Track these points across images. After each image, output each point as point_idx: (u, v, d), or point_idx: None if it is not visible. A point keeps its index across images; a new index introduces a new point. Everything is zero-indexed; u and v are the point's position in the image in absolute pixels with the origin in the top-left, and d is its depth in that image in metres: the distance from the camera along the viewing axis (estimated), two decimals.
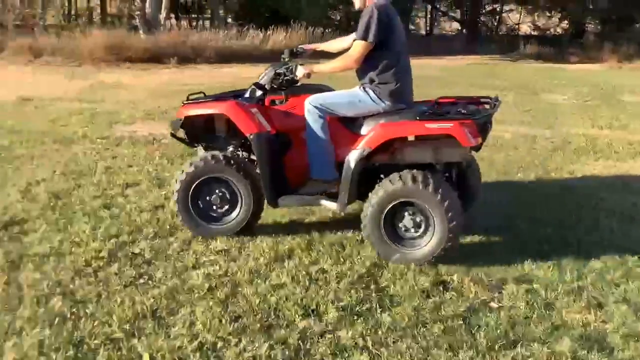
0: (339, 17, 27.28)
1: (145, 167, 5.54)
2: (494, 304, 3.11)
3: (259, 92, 3.89)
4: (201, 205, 3.89)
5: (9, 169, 5.39)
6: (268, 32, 19.56)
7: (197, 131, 4.04)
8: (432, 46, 23.81)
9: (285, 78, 3.82)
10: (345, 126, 3.80)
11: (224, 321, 2.83)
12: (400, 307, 3.03)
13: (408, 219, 3.56)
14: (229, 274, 3.37)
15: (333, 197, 3.72)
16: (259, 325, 2.82)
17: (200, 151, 4.10)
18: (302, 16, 21.90)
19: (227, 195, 3.87)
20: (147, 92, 10.98)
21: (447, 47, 23.68)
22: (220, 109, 3.81)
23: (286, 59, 4.07)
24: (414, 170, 3.48)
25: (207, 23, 26.45)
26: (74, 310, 2.92)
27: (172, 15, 25.00)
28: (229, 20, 26.60)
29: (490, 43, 25.48)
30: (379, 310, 3.00)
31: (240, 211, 3.88)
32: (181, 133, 4.03)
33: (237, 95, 4.02)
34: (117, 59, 15.95)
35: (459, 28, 31.98)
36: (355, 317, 2.92)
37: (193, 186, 3.82)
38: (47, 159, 5.78)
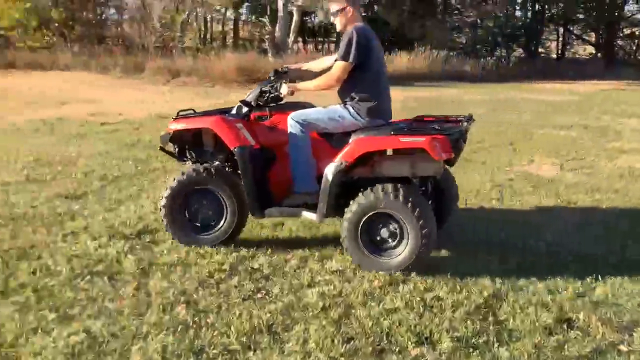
0: (464, 40, 26.85)
1: None
2: (623, 347, 2.88)
3: (245, 109, 4.11)
4: (189, 216, 4.06)
5: (145, 181, 5.77)
6: (391, 55, 19.62)
7: (186, 145, 4.25)
8: (564, 70, 22.83)
9: (270, 95, 4.04)
10: (327, 141, 3.98)
11: (336, 341, 2.84)
12: (519, 343, 2.88)
13: (383, 230, 3.72)
14: (343, 295, 3.38)
15: (314, 208, 3.84)
16: (370, 348, 2.80)
17: (189, 165, 4.26)
18: (427, 39, 21.77)
19: (214, 206, 4.04)
20: None
21: (580, 71, 22.55)
22: (207, 123, 4.02)
23: (272, 78, 4.21)
24: (388, 184, 3.64)
25: (333, 46, 26.98)
26: (196, 319, 3.05)
27: (300, 39, 25.82)
28: None
29: (628, 67, 23.99)
30: (496, 345, 2.87)
31: (225, 222, 4.02)
32: (171, 147, 4.25)
33: (224, 112, 4.24)
34: (247, 80, 16.69)
35: (593, 52, 30.43)
36: (471, 350, 2.82)
37: (182, 197, 4.01)
38: (179, 173, 6.11)
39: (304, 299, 3.30)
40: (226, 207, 4.01)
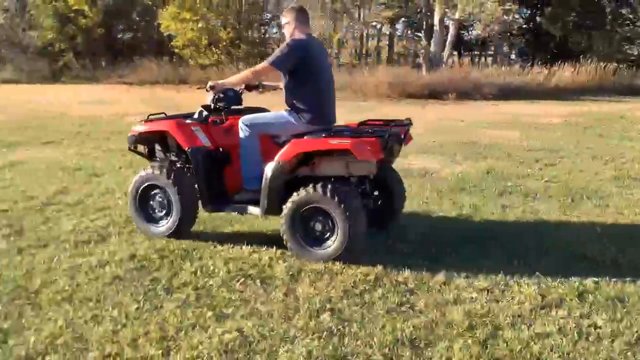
0: (636, 52, 24.85)
1: (415, 200, 5.69)
2: None
3: (205, 113, 4.49)
4: (146, 209, 4.53)
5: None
6: (554, 68, 18.68)
7: (154, 146, 4.74)
8: None
9: (224, 100, 4.47)
10: (274, 143, 4.33)
11: None
12: None
13: (317, 224, 4.07)
14: (490, 314, 3.27)
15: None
16: None
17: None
18: (593, 51, 20.46)
19: (163, 201, 4.47)
20: (423, 126, 11.30)
21: None
22: (165, 126, 4.45)
23: (240, 89, 4.75)
24: (320, 181, 3.96)
25: (490, 59, 26.26)
26: (340, 327, 3.12)
27: (455, 53, 25.44)
28: (512, 56, 26.08)
29: None
30: None
31: (172, 216, 4.42)
32: (142, 148, 4.77)
33: (189, 116, 4.58)
34: (399, 95, 16.79)
35: None
36: None
37: (139, 191, 4.47)
38: None
39: (449, 316, 3.24)
40: (174, 202, 4.37)
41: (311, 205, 4.00)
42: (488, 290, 3.59)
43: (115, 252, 4.15)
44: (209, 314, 3.26)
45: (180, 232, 4.46)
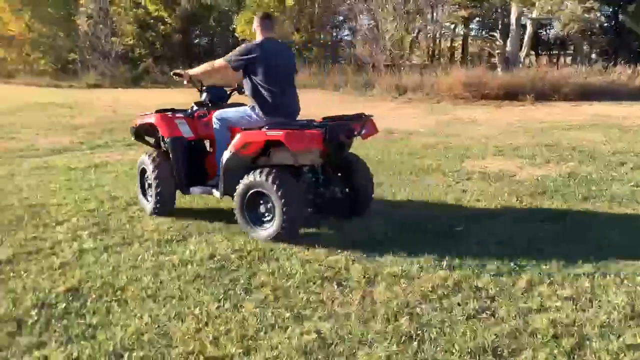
0: None
1: (494, 203, 5.56)
2: None
3: (195, 108, 5.18)
4: (143, 189, 5.38)
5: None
6: (638, 68, 17.81)
7: (157, 136, 5.32)
8: None
9: (211, 97, 5.20)
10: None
11: None
12: None
13: (262, 206, 4.56)
14: (576, 324, 3.14)
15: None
16: None
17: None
18: None
19: (148, 183, 5.24)
20: (500, 128, 11.04)
21: None
22: (151, 119, 5.12)
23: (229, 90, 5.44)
24: (265, 168, 4.47)
25: (569, 59, 25.36)
26: (419, 332, 3.07)
27: (532, 52, 24.71)
28: (593, 55, 25.06)
29: None
30: None
31: (153, 196, 5.13)
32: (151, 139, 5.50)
33: (184, 111, 5.25)
34: (473, 96, 16.43)
35: None
36: None
37: (139, 174, 5.35)
38: (404, 188, 6.24)
39: (533, 325, 3.14)
40: (153, 184, 5.08)
41: (255, 189, 4.49)
42: (573, 299, 3.45)
43: (196, 252, 4.25)
44: (288, 314, 3.29)
45: (162, 210, 5.14)
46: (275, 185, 4.35)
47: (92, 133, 10.68)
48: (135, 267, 3.98)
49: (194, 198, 5.72)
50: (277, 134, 4.29)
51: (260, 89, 4.74)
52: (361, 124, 4.75)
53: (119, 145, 9.36)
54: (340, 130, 4.52)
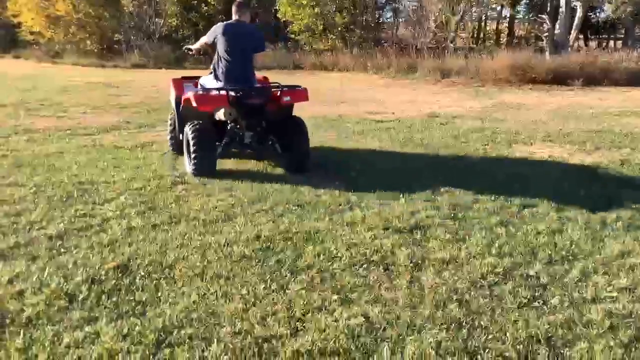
0: None
1: (542, 191, 5.41)
2: None
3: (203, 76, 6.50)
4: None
5: (414, 177, 5.88)
6: None
7: None
8: None
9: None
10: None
11: None
12: None
13: (191, 147, 5.85)
14: (633, 316, 3.04)
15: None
16: None
17: None
18: None
19: None
20: (549, 113, 10.77)
21: None
22: (171, 83, 6.71)
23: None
24: (194, 121, 5.94)
25: (620, 43, 24.55)
26: (469, 319, 3.01)
27: (581, 36, 23.99)
28: None
29: None
30: None
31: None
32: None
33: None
34: (519, 80, 16.09)
35: None
36: None
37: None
38: (449, 171, 6.13)
39: (587, 315, 3.05)
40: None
41: (186, 137, 5.94)
42: (630, 290, 3.33)
43: (242, 232, 4.26)
44: (334, 297, 3.26)
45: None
46: (191, 134, 5.79)
47: (138, 112, 10.81)
48: (183, 245, 4.01)
49: (238, 178, 5.75)
50: (189, 95, 5.79)
51: (219, 60, 6.03)
52: (286, 91, 6.00)
53: (164, 124, 9.43)
54: (249, 95, 5.86)
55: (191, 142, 5.75)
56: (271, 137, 6.17)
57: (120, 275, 3.52)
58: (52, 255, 3.82)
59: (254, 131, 6.08)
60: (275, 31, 27.65)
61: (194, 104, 5.65)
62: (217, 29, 6.00)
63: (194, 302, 3.19)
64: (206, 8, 27.19)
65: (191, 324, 2.96)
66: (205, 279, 3.49)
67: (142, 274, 3.56)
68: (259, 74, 6.62)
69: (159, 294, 3.29)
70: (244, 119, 5.98)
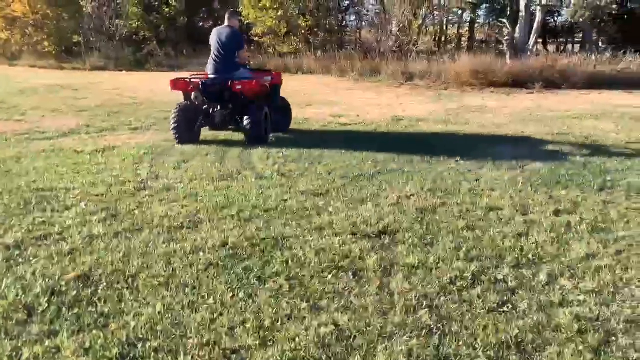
0: None
1: (508, 193, 5.46)
2: None
3: None
4: None
5: (383, 181, 5.87)
6: None
7: None
8: None
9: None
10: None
11: None
12: None
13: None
14: (600, 319, 3.06)
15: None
16: None
17: None
18: None
19: None
20: (510, 116, 10.91)
21: None
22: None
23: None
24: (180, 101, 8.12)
25: (577, 47, 25.12)
26: (440, 325, 2.99)
27: (540, 40, 24.47)
28: (601, 44, 24.80)
29: None
30: None
31: None
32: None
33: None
34: (481, 83, 16.28)
35: None
36: None
37: None
38: (416, 175, 6.14)
39: (556, 319, 3.06)
40: None
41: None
42: (596, 293, 3.37)
43: (207, 239, 4.17)
44: (304, 305, 3.21)
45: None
46: (173, 111, 7.89)
47: (98, 116, 10.57)
48: (147, 253, 3.90)
49: (203, 183, 5.65)
50: (170, 81, 7.99)
51: (209, 57, 8.02)
52: (236, 82, 7.68)
53: (125, 128, 9.26)
54: (209, 83, 7.81)
55: (172, 117, 7.81)
56: (237, 117, 7.83)
57: (81, 286, 3.41)
58: (9, 266, 3.68)
59: (219, 111, 7.89)
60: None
61: (170, 87, 7.98)
62: (211, 32, 8.07)
63: (158, 313, 3.09)
64: (168, 9, 26.82)
65: (156, 336, 2.87)
66: (171, 288, 3.39)
67: (105, 284, 3.44)
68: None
69: (122, 305, 3.19)
70: (208, 101, 7.88)
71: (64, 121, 9.84)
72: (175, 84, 7.86)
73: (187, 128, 7.73)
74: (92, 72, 22.51)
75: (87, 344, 2.79)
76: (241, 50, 8.00)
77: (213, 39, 7.87)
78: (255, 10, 23.72)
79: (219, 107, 7.85)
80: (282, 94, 9.09)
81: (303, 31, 23.95)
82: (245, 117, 7.71)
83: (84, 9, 27.02)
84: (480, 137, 8.48)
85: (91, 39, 26.34)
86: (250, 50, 24.76)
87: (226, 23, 7.99)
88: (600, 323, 3.02)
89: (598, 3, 18.94)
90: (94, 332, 2.91)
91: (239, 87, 7.63)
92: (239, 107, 7.79)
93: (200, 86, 7.74)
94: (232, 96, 7.70)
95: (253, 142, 7.71)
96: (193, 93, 7.79)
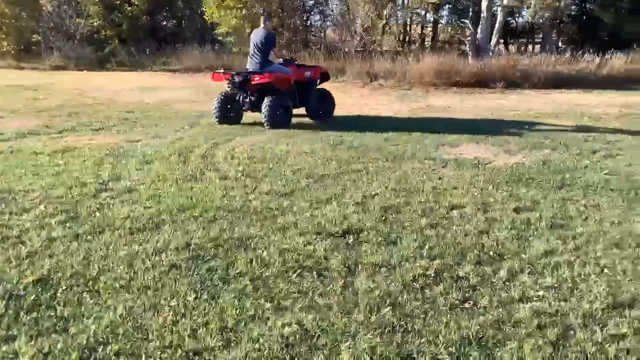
0: None
1: (470, 191, 5.53)
2: None
3: None
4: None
5: (348, 181, 5.89)
6: (606, 57, 18.04)
7: None
8: None
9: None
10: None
11: None
12: None
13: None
14: (559, 314, 3.13)
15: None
16: None
17: None
18: None
19: None
20: (473, 115, 11.07)
21: None
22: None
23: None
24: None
25: (538, 47, 25.59)
26: (402, 323, 3.02)
27: (501, 41, 24.86)
28: (561, 44, 25.34)
29: None
30: None
31: None
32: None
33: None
34: (444, 83, 16.47)
35: None
36: None
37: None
38: (380, 174, 6.17)
39: (516, 315, 3.11)
40: None
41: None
42: (555, 288, 3.44)
43: (170, 240, 4.12)
44: (267, 305, 3.20)
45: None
46: (215, 99, 9.78)
47: (58, 116, 10.36)
48: (108, 256, 3.84)
49: (166, 185, 5.59)
50: (211, 74, 9.97)
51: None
52: (254, 75, 9.32)
53: (86, 129, 9.09)
54: (235, 76, 9.37)
55: (214, 102, 9.74)
56: (261, 104, 9.32)
57: (40, 289, 3.34)
58: None
59: (244, 99, 9.62)
60: (202, 33, 27.20)
61: (211, 79, 10.03)
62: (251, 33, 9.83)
63: (120, 316, 3.05)
64: (130, 8, 26.41)
65: (117, 340, 2.83)
66: (132, 290, 3.35)
67: (64, 287, 3.38)
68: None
69: (82, 309, 3.14)
70: (237, 90, 9.59)
71: (23, 122, 9.62)
72: (215, 76, 9.75)
73: (225, 110, 9.67)
74: (52, 71, 22.04)
75: (46, 349, 2.74)
76: (274, 48, 9.62)
77: (251, 40, 9.56)
78: (219, 10, 23.53)
79: (245, 95, 9.57)
80: None
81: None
82: (263, 105, 9.22)
83: (43, 8, 26.42)
84: (444, 137, 8.57)
85: (51, 38, 25.76)
86: (215, 49, 24.64)
87: (261, 25, 9.56)
88: (559, 318, 3.09)
89: (557, 4, 19.31)
90: (53, 336, 2.85)
91: (256, 79, 9.20)
92: (260, 95, 9.38)
93: (231, 78, 9.41)
94: (255, 87, 9.33)
95: (270, 125, 9.20)
96: (227, 84, 9.63)
